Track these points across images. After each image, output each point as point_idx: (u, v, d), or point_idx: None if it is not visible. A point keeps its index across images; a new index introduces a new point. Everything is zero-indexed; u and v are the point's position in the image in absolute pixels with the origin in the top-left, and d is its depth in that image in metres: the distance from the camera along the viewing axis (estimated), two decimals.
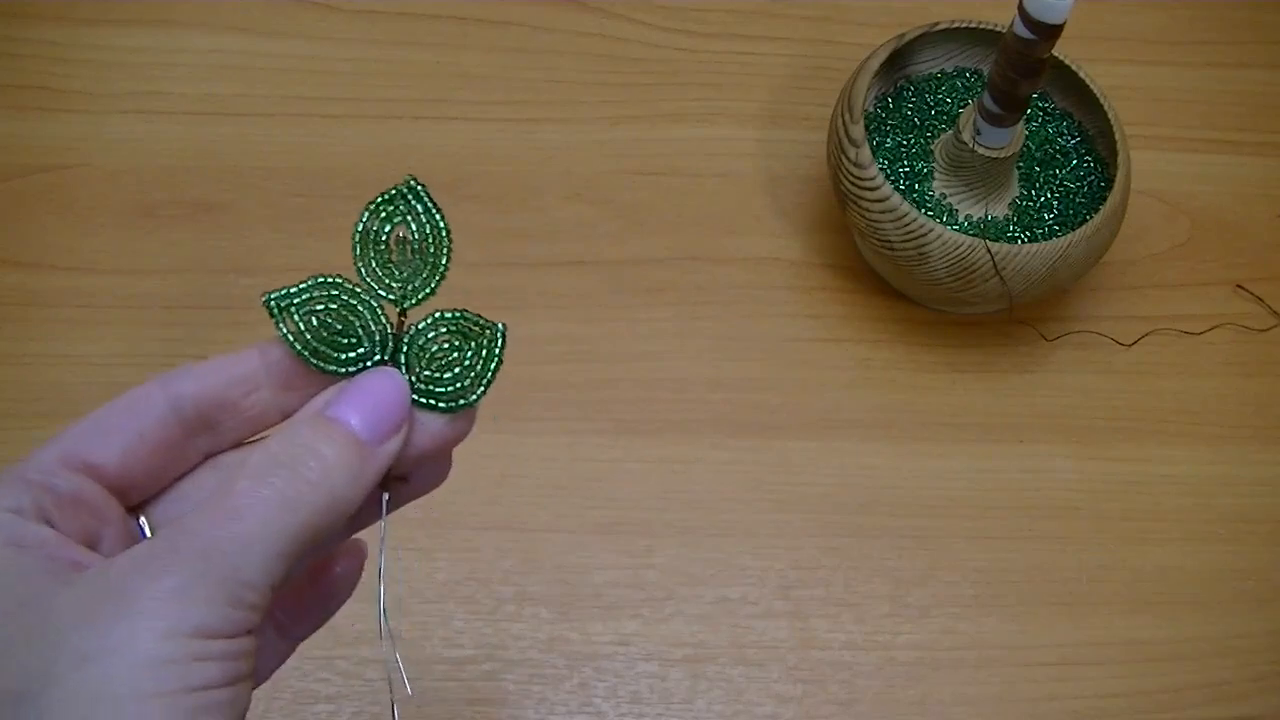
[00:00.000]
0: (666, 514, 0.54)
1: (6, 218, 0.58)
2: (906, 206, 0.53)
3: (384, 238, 0.31)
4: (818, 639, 0.51)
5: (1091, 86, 0.57)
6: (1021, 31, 0.48)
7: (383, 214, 0.31)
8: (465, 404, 0.31)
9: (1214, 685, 0.52)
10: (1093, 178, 0.58)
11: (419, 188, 0.31)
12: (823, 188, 0.61)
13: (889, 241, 0.54)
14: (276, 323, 0.30)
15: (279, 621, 0.33)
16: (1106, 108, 0.57)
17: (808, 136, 0.63)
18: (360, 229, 0.31)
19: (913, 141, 0.58)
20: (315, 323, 0.30)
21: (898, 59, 0.58)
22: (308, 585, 0.33)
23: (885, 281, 0.59)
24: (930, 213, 0.56)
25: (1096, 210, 0.54)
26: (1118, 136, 0.56)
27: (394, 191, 0.31)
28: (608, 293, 0.59)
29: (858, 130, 0.54)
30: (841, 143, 0.55)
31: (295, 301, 0.30)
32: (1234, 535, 0.55)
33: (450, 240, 0.31)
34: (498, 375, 0.31)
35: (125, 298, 0.56)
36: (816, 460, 0.55)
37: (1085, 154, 0.59)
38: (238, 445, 0.31)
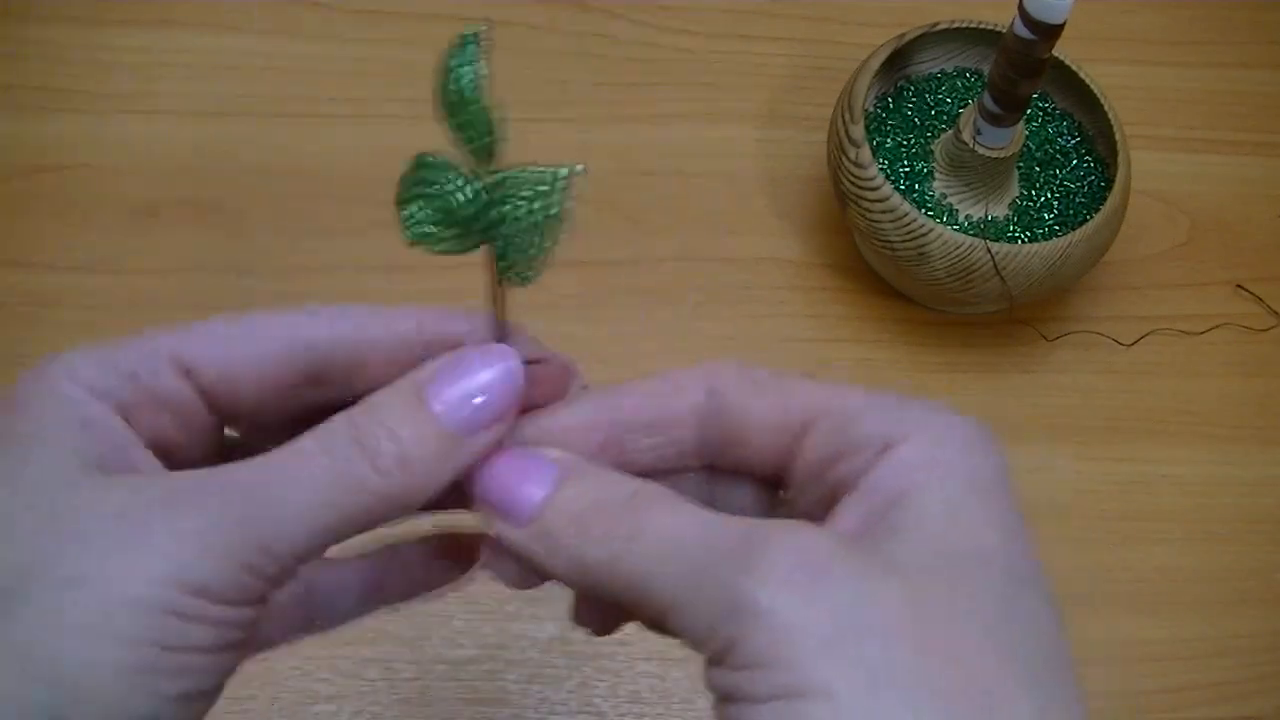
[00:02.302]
0: None
1: (6, 218, 0.58)
2: (906, 206, 0.53)
3: (454, 96, 0.27)
4: None
5: (1091, 86, 0.57)
6: (1021, 31, 0.48)
7: (450, 71, 0.27)
8: (528, 277, 0.27)
9: (1214, 685, 0.52)
10: (1093, 178, 0.58)
11: (476, 33, 0.28)
12: (823, 188, 0.61)
13: (889, 241, 0.54)
14: (399, 216, 0.27)
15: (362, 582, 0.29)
16: (1106, 108, 0.57)
17: (808, 136, 0.63)
18: (439, 88, 0.27)
19: (913, 141, 0.58)
20: (418, 207, 0.27)
21: (898, 59, 0.58)
22: (429, 557, 0.30)
23: (885, 281, 0.59)
24: (930, 213, 0.56)
25: (1096, 210, 0.54)
26: (1118, 136, 0.56)
27: (455, 42, 0.28)
28: (608, 293, 0.59)
29: (858, 130, 0.54)
30: (841, 143, 0.55)
31: (402, 189, 0.27)
32: (1234, 535, 0.55)
33: (479, 83, 0.27)
34: (557, 245, 0.27)
35: (125, 298, 0.56)
36: None
37: (1085, 154, 0.59)
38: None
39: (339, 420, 0.25)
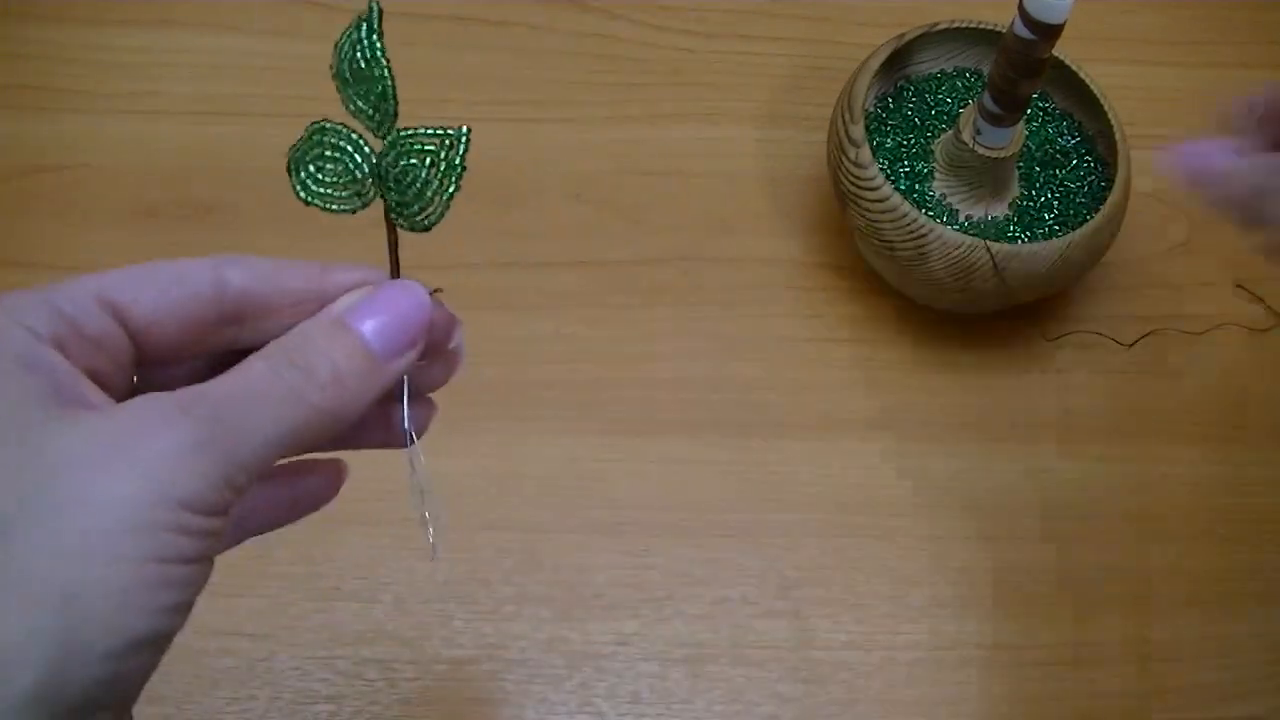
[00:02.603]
0: (666, 514, 0.54)
1: (6, 218, 0.58)
2: (906, 206, 0.53)
3: (347, 73, 0.31)
4: (818, 639, 0.51)
5: (1091, 86, 0.57)
6: (1021, 31, 0.48)
7: (343, 51, 0.31)
8: (429, 224, 0.30)
9: (1214, 685, 0.52)
10: (1093, 178, 0.58)
11: (373, 8, 0.31)
12: (823, 188, 0.61)
13: (889, 241, 0.54)
14: (290, 177, 0.30)
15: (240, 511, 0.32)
16: (1106, 108, 0.57)
17: (808, 136, 0.63)
18: (333, 71, 0.31)
19: (913, 141, 0.58)
20: (314, 169, 0.31)
21: (898, 59, 0.58)
22: (284, 484, 0.33)
23: (885, 281, 0.59)
24: (930, 213, 0.56)
25: (1096, 210, 0.54)
26: (1118, 136, 0.56)
27: (351, 23, 0.31)
28: (608, 293, 0.59)
29: (858, 130, 0.54)
30: (841, 143, 0.55)
31: (299, 153, 0.31)
32: (1234, 535, 0.55)
33: (386, 58, 0.31)
34: (461, 187, 0.30)
35: None
36: (816, 460, 0.55)
37: (1085, 154, 0.59)
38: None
39: (275, 348, 0.28)
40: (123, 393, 0.29)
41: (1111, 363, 0.59)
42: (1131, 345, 0.59)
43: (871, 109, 0.59)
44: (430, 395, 0.34)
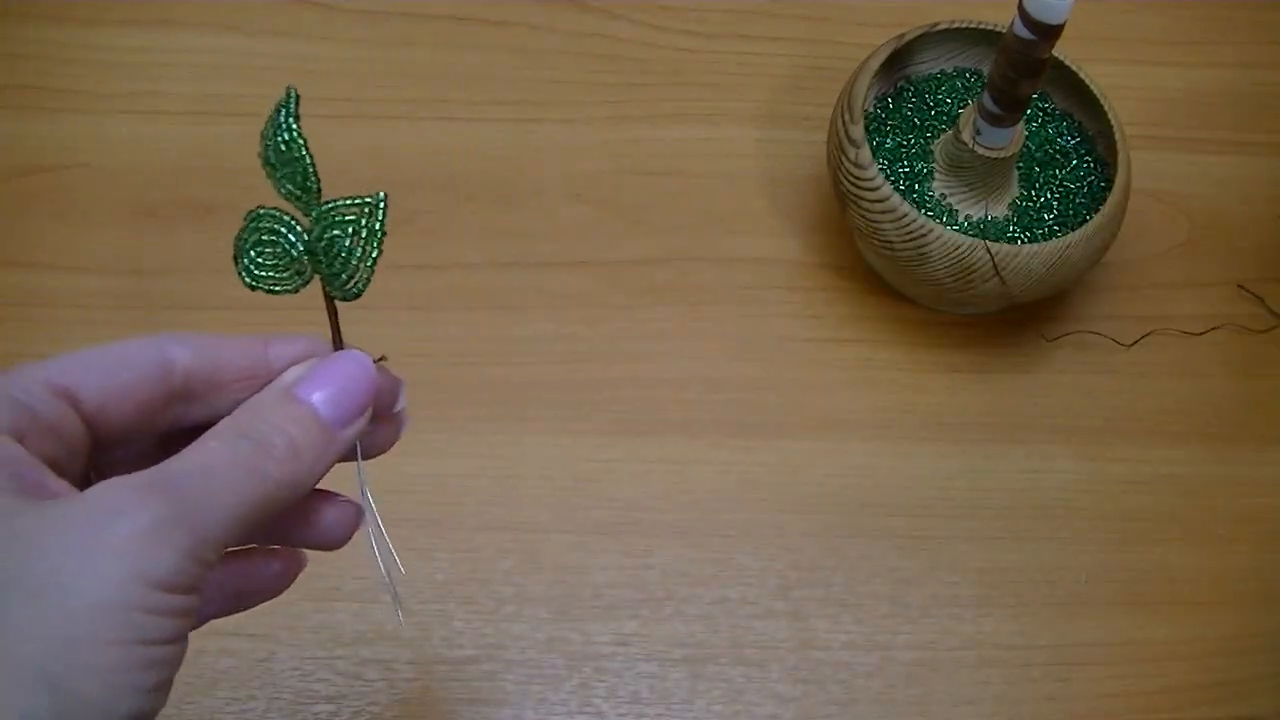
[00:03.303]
0: (666, 514, 0.54)
1: (6, 218, 0.58)
2: (906, 207, 0.53)
3: (272, 158, 0.31)
4: (818, 639, 0.51)
5: (1091, 86, 0.57)
6: (1021, 31, 0.48)
7: (266, 134, 0.31)
8: (357, 292, 0.31)
9: (1214, 685, 0.52)
10: (1093, 178, 0.58)
11: (290, 95, 0.31)
12: (823, 188, 0.61)
13: (889, 242, 0.54)
14: (236, 267, 0.32)
15: None
16: (1106, 108, 0.57)
17: (808, 136, 0.63)
18: (261, 153, 0.31)
19: (913, 141, 0.58)
20: (255, 255, 0.31)
21: (898, 59, 0.58)
22: (240, 570, 0.33)
23: (885, 281, 0.59)
24: (930, 213, 0.56)
25: (1096, 210, 0.54)
26: (1118, 136, 0.56)
27: (272, 109, 0.31)
28: (608, 293, 0.59)
29: (858, 130, 0.54)
30: (841, 143, 0.55)
31: (243, 241, 0.32)
32: (1234, 535, 0.55)
33: (304, 140, 0.31)
34: (383, 251, 0.31)
35: (125, 298, 0.56)
36: (816, 460, 0.55)
37: (1085, 154, 0.59)
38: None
39: (227, 425, 0.29)
40: (79, 478, 0.29)
41: (1111, 363, 0.59)
42: (1131, 345, 0.59)
43: (871, 109, 0.59)
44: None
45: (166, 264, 0.57)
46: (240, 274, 0.31)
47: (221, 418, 0.30)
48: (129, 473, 0.27)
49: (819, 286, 0.60)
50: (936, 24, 0.58)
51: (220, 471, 0.27)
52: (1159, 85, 0.67)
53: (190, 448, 0.28)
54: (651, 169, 0.62)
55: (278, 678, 0.49)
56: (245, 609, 0.34)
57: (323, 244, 0.31)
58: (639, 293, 0.59)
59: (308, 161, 0.31)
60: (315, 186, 0.31)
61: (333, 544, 0.33)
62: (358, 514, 0.33)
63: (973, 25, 0.58)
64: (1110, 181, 0.56)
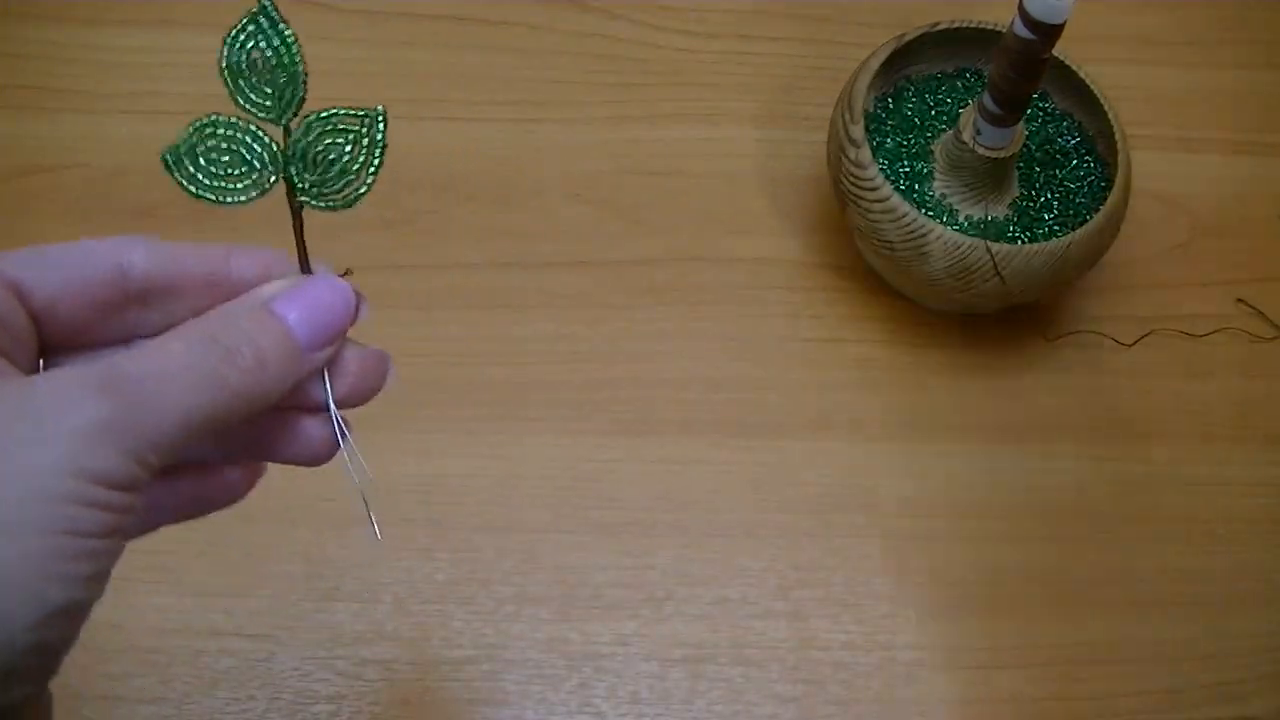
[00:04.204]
0: (666, 514, 0.54)
1: (6, 218, 0.58)
2: (906, 206, 0.53)
3: (243, 64, 0.31)
4: (818, 639, 0.51)
5: (1091, 86, 0.57)
6: (1021, 31, 0.48)
7: (238, 43, 0.31)
8: (356, 198, 0.31)
9: (1214, 685, 0.52)
10: (1093, 178, 0.58)
11: (267, 4, 0.31)
12: (823, 188, 0.61)
13: (889, 241, 0.54)
14: (171, 175, 0.31)
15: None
16: (1106, 108, 0.57)
17: (808, 136, 0.63)
18: (223, 63, 0.31)
19: (913, 141, 0.58)
20: (205, 163, 0.31)
21: (898, 59, 0.58)
22: (195, 477, 0.32)
23: (885, 281, 0.59)
24: (930, 213, 0.56)
25: (1096, 210, 0.54)
26: (1118, 136, 0.56)
27: (244, 17, 0.31)
28: (608, 293, 0.59)
29: (858, 130, 0.54)
30: (841, 143, 0.55)
31: (184, 150, 0.31)
32: (1234, 535, 0.55)
33: (298, 45, 0.31)
34: (384, 162, 0.31)
35: None
36: (817, 460, 0.55)
37: (1085, 154, 0.59)
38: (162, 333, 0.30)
39: (194, 326, 0.28)
40: (26, 373, 0.28)
41: (1111, 363, 0.59)
42: (1131, 345, 0.59)
43: (871, 109, 0.59)
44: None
45: None
46: (182, 182, 0.31)
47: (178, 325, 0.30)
48: None
49: (819, 286, 0.60)
50: (936, 24, 0.58)
51: (177, 374, 0.27)
52: (1159, 85, 0.67)
53: (151, 344, 0.27)
54: (651, 169, 0.62)
55: (278, 678, 0.49)
56: (201, 515, 0.33)
57: (316, 152, 0.31)
58: (639, 293, 0.59)
59: (299, 69, 0.31)
60: (300, 96, 0.31)
61: (313, 459, 0.32)
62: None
63: (973, 25, 0.58)
64: (1110, 181, 0.56)
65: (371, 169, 0.31)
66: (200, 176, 0.31)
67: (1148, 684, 0.52)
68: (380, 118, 0.31)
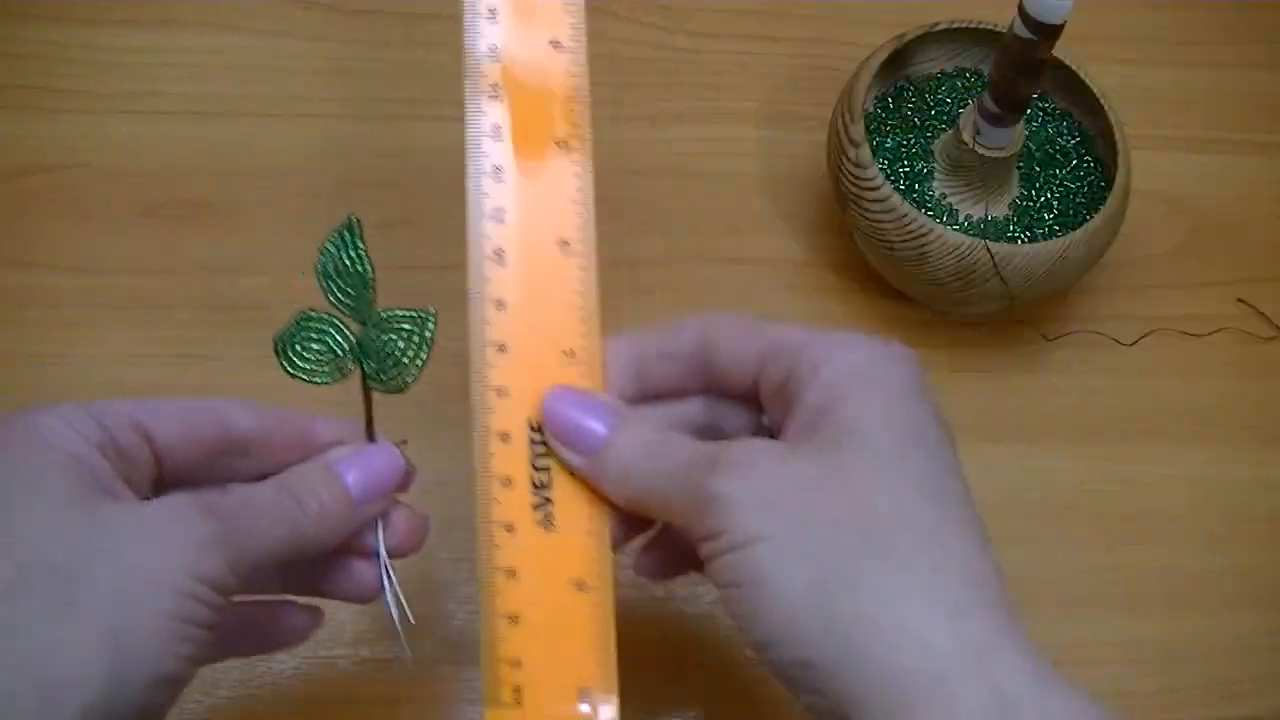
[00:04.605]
0: None
1: (6, 218, 0.58)
2: (906, 207, 0.53)
3: (332, 269, 0.37)
4: None
5: (1091, 86, 0.57)
6: (1021, 31, 0.48)
7: (328, 253, 0.37)
8: (405, 385, 0.38)
9: (1214, 685, 0.52)
10: (1093, 178, 0.58)
11: (352, 221, 0.38)
12: (823, 188, 0.61)
13: (889, 242, 0.54)
14: (278, 359, 0.37)
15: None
16: (1106, 108, 0.57)
17: (808, 136, 0.63)
18: (318, 268, 0.37)
19: (913, 141, 0.58)
20: (300, 349, 0.37)
21: (898, 59, 0.58)
22: (265, 610, 0.39)
23: (885, 281, 0.59)
24: (930, 213, 0.56)
25: (1096, 210, 0.54)
26: (1118, 136, 0.56)
27: (336, 230, 0.38)
28: (607, 292, 0.59)
29: (858, 130, 0.54)
30: (841, 143, 0.55)
31: (287, 339, 0.37)
32: (1234, 535, 0.55)
33: (368, 258, 0.37)
34: (430, 357, 0.38)
35: (125, 298, 0.56)
36: None
37: (1085, 154, 0.59)
38: (253, 479, 0.37)
39: (276, 480, 0.36)
40: (141, 498, 0.35)
41: (1111, 363, 0.59)
42: (1131, 345, 0.59)
43: (871, 109, 0.59)
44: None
45: (166, 264, 0.57)
46: (283, 365, 0.37)
47: (267, 474, 0.37)
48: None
49: (819, 286, 0.60)
50: (936, 24, 0.58)
51: (264, 511, 0.34)
52: (1159, 85, 0.67)
53: (245, 487, 0.35)
54: (651, 169, 0.62)
55: (278, 678, 0.49)
56: (266, 652, 0.42)
57: (375, 345, 0.37)
58: (639, 293, 0.59)
59: (370, 277, 0.37)
60: (371, 297, 0.37)
61: (360, 596, 0.39)
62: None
63: (973, 25, 0.58)
64: (1110, 181, 0.56)
65: (419, 361, 0.38)
66: (298, 361, 0.37)
67: (1147, 684, 0.52)
68: (431, 319, 0.38)
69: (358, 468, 0.37)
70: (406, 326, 0.38)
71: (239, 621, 0.38)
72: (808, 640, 0.31)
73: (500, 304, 0.38)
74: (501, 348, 0.38)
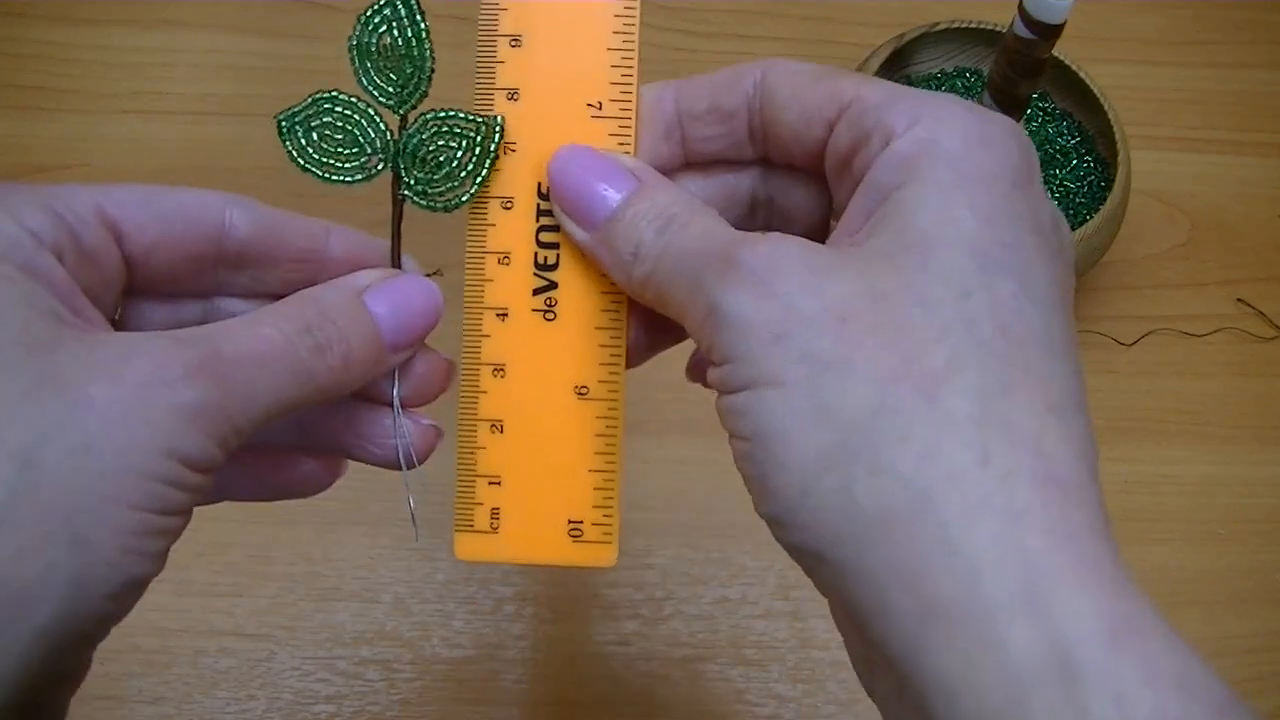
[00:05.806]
0: (666, 514, 0.54)
1: None
2: None
3: (372, 47, 0.30)
4: (817, 639, 0.51)
5: (1091, 86, 0.57)
6: (1021, 31, 0.48)
7: (371, 25, 0.30)
8: (458, 204, 0.30)
9: None
10: (1093, 178, 0.58)
11: None
12: None
13: None
14: (284, 142, 0.31)
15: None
16: (1106, 108, 0.57)
17: None
18: (353, 41, 0.30)
19: None
20: (317, 138, 0.31)
21: (898, 59, 0.58)
22: (273, 461, 0.32)
23: None
24: None
25: (1096, 210, 0.54)
26: (1118, 136, 0.56)
27: (381, 1, 0.30)
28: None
29: None
30: None
31: (298, 119, 0.31)
32: (1234, 535, 0.55)
33: (430, 40, 0.30)
34: (486, 177, 0.30)
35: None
36: None
37: (1085, 154, 0.59)
38: (247, 296, 0.31)
39: (290, 310, 0.28)
40: (108, 316, 0.28)
41: (1111, 363, 0.59)
42: (1131, 345, 0.59)
43: None
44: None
45: None
46: (289, 150, 0.30)
47: (264, 292, 0.30)
48: (155, 322, 0.28)
49: None
50: (936, 24, 0.58)
51: (270, 364, 0.27)
52: (1159, 85, 0.67)
53: (246, 324, 0.27)
54: None
55: (278, 678, 0.49)
56: (276, 500, 0.33)
57: (424, 151, 0.30)
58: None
59: (428, 62, 0.30)
60: (424, 90, 0.30)
61: (386, 461, 0.32)
62: (435, 433, 0.32)
63: (973, 25, 0.58)
64: (1110, 181, 0.56)
65: (479, 178, 0.30)
66: (310, 149, 0.31)
67: None
68: (498, 128, 0.30)
69: (390, 302, 0.29)
70: (468, 132, 0.30)
71: (232, 468, 0.30)
72: (819, 528, 0.24)
73: (515, 39, 0.31)
74: (512, 95, 0.31)
